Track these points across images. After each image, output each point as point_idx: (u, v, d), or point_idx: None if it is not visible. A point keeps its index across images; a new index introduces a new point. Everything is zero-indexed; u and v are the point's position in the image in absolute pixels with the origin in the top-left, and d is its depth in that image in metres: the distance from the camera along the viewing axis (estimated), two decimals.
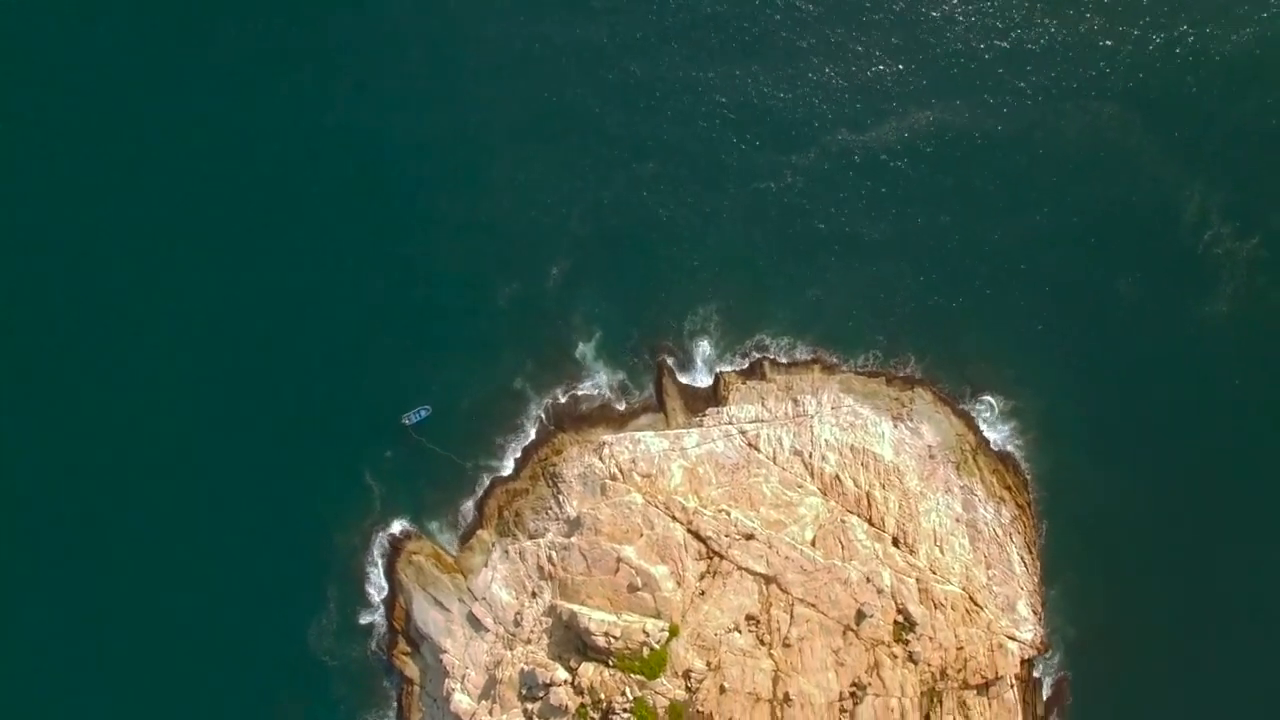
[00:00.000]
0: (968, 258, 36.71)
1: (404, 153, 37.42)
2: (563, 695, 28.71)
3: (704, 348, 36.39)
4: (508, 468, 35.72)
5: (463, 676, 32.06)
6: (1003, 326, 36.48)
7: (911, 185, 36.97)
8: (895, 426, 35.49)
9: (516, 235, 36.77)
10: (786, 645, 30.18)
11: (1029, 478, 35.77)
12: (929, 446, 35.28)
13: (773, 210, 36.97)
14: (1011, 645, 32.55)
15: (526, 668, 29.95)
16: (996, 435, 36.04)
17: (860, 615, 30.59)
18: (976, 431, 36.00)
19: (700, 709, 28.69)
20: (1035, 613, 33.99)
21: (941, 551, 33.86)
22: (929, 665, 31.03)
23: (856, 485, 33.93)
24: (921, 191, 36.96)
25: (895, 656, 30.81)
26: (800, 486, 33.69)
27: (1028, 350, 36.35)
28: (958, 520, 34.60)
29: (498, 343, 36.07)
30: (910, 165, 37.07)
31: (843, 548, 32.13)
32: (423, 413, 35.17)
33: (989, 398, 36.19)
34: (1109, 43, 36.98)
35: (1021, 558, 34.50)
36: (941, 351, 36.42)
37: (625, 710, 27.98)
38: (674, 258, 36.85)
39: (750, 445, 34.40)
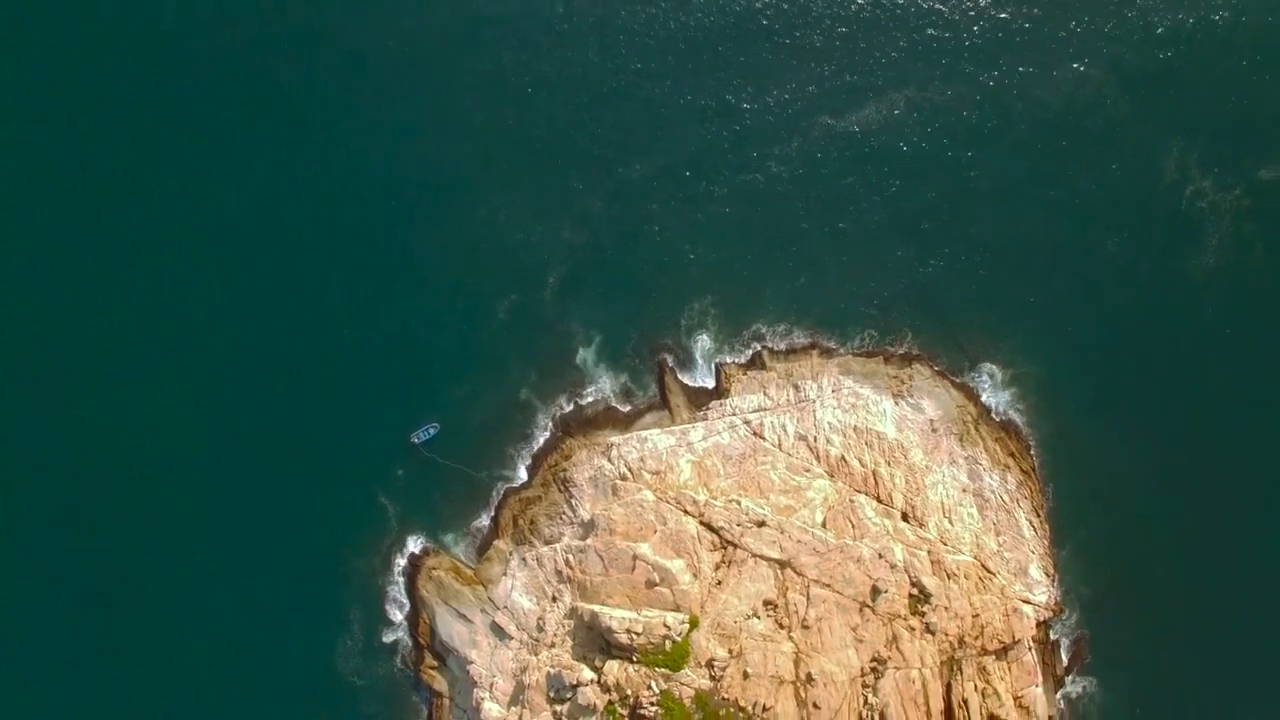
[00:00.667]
0: (955, 231, 37.01)
1: (393, 175, 37.56)
2: (590, 694, 29.25)
3: (702, 342, 36.72)
4: (519, 477, 36.10)
5: (491, 685, 32.59)
6: (995, 296, 36.84)
7: (895, 165, 37.24)
8: (896, 404, 35.90)
9: (511, 248, 37.00)
10: (805, 627, 30.72)
11: (1031, 443, 36.23)
12: (930, 420, 35.72)
13: (761, 201, 37.23)
14: (1026, 609, 33.11)
15: (553, 670, 30.49)
16: (996, 404, 36.46)
17: (875, 591, 31.12)
18: (976, 402, 36.42)
19: (726, 696, 29.24)
20: (1048, 575, 34.54)
21: (950, 522, 34.36)
22: (946, 635, 31.59)
23: (862, 464, 34.39)
24: (905, 170, 37.22)
25: (913, 629, 31.37)
26: (807, 470, 34.14)
27: (1021, 318, 36.73)
28: (964, 490, 35.09)
29: (501, 355, 36.35)
30: (892, 145, 37.32)
31: (853, 527, 32.62)
32: (431, 430, 35.54)
33: (987, 367, 36.60)
34: (1084, 12, 37.19)
35: (1030, 522, 35.00)
36: (936, 326, 36.78)
37: (652, 704, 28.54)
38: (667, 257, 37.14)
39: (755, 434, 34.82)
